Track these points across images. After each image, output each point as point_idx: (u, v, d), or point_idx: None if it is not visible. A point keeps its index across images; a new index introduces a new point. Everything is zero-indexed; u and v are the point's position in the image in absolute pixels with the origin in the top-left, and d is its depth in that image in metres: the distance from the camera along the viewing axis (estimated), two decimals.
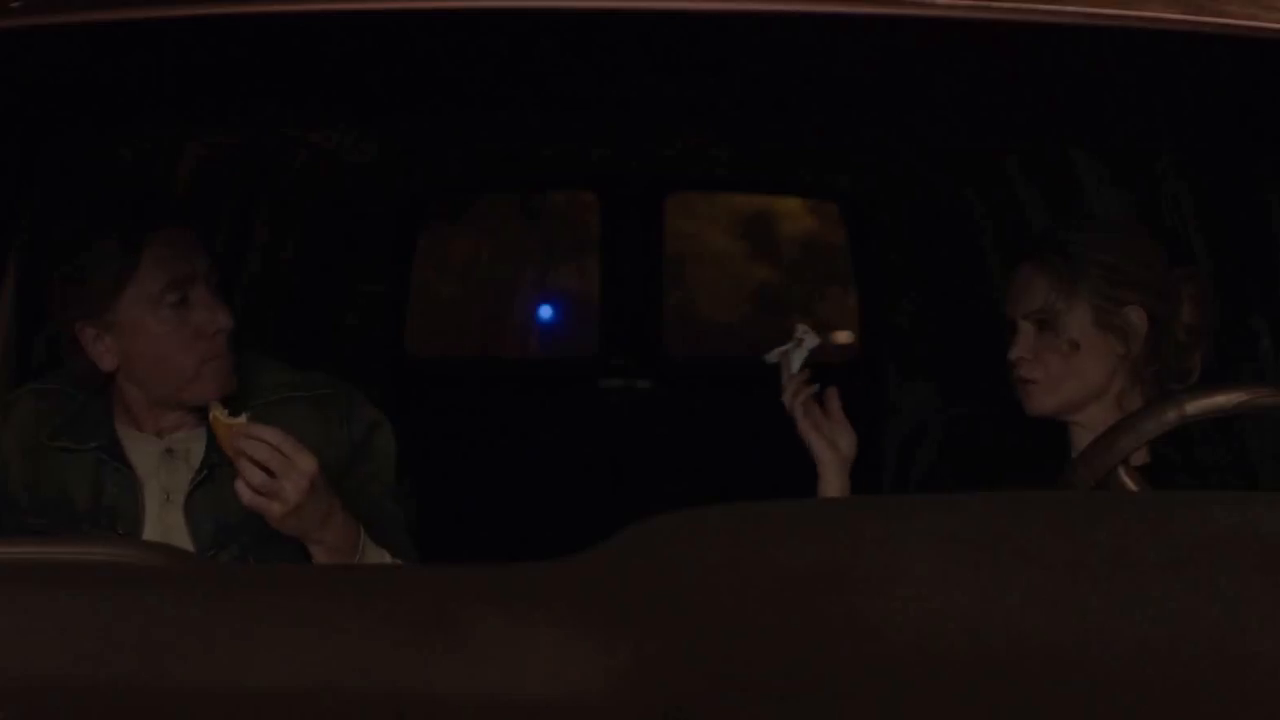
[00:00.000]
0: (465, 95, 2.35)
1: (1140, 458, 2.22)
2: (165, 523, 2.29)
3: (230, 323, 2.24)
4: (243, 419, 2.12)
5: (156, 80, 2.04)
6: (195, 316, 2.24)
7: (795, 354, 2.38)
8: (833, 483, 2.39)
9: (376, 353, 4.62)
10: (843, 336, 5.81)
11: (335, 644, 1.20)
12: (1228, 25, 1.61)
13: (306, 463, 2.06)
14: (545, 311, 6.43)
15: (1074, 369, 2.30)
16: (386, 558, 2.25)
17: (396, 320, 4.74)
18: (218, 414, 2.15)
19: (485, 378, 5.02)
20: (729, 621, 1.21)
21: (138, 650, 1.19)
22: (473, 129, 4.08)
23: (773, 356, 2.40)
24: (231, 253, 3.85)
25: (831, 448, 2.39)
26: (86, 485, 2.29)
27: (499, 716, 1.13)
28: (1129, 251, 2.32)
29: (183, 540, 2.27)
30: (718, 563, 1.29)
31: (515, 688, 1.14)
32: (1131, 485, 1.99)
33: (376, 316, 4.65)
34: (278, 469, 2.05)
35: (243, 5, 1.61)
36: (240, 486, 2.07)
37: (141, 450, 2.30)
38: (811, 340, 2.36)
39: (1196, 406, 1.97)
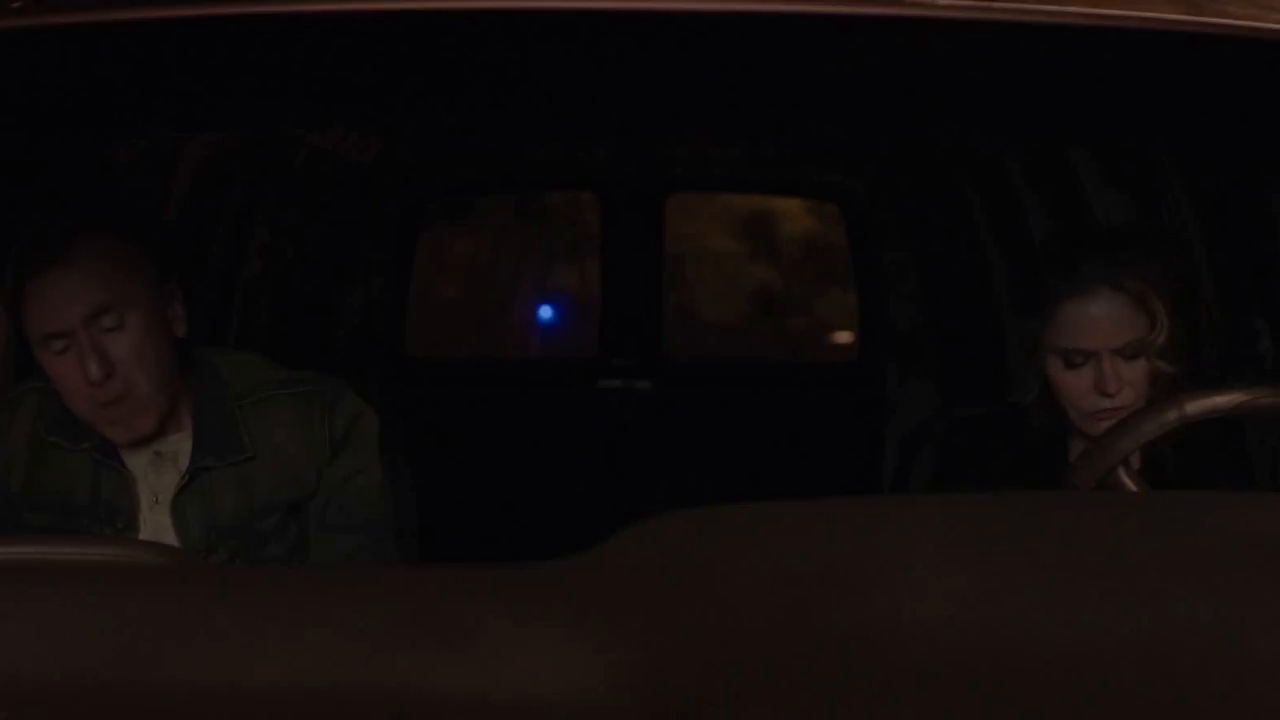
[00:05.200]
0: (465, 95, 2.35)
1: (1138, 460, 2.22)
2: (155, 523, 2.30)
3: (98, 375, 2.15)
4: None
5: (156, 80, 2.04)
6: (69, 368, 2.18)
7: None
8: None
9: (376, 353, 4.62)
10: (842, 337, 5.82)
11: (335, 644, 1.20)
12: (1228, 26, 1.61)
13: None
14: (545, 312, 6.42)
15: (1148, 392, 2.28)
16: None
17: (396, 320, 4.74)
18: None
19: (485, 378, 5.02)
20: (729, 622, 1.21)
21: (138, 650, 1.19)
22: (473, 129, 4.08)
23: None
24: (231, 253, 3.85)
25: None
26: (84, 482, 2.30)
27: (499, 716, 1.13)
28: (1168, 265, 2.31)
29: (171, 541, 2.28)
30: (718, 563, 1.29)
31: (515, 688, 1.14)
32: (1131, 485, 1.99)
33: (376, 316, 4.65)
34: None
35: (243, 5, 1.61)
36: None
37: (131, 452, 2.31)
38: None
39: (1196, 407, 1.97)
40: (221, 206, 3.77)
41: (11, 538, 2.14)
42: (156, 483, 2.32)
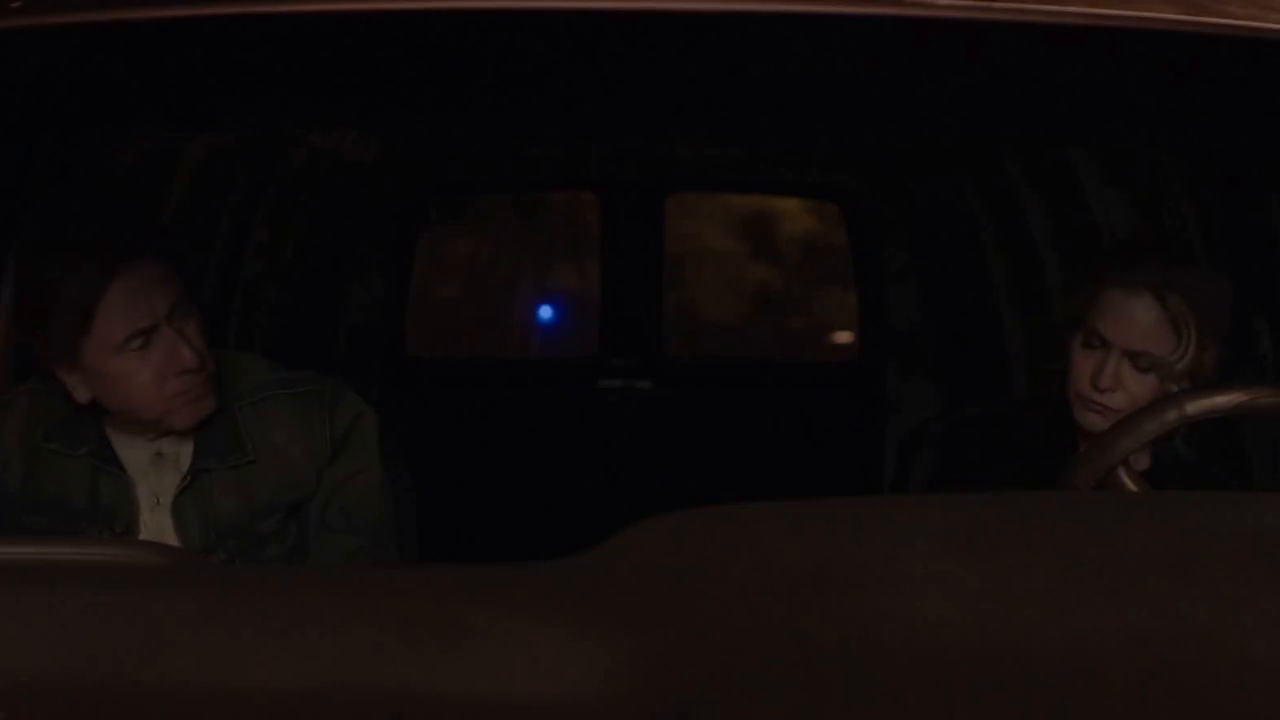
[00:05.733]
0: (465, 95, 2.34)
1: (1142, 461, 2.22)
2: (155, 524, 2.30)
3: (195, 362, 2.21)
4: None
5: (156, 80, 2.04)
6: (158, 359, 2.21)
7: None
8: None
9: (376, 353, 4.62)
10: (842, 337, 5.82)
11: (335, 644, 1.20)
12: (1228, 25, 1.61)
13: None
14: (545, 311, 6.43)
15: (1146, 401, 2.27)
16: None
17: (396, 320, 4.74)
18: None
19: (485, 378, 5.02)
20: (728, 621, 1.21)
21: (138, 650, 1.19)
22: (473, 129, 4.08)
23: None
24: (231, 253, 3.85)
25: None
26: (83, 485, 2.30)
27: (499, 716, 1.13)
28: (1223, 294, 2.31)
29: (172, 543, 2.27)
30: (716, 563, 1.29)
31: (515, 687, 1.14)
32: (1131, 485, 1.99)
33: (376, 316, 4.65)
34: None
35: (243, 5, 1.61)
36: None
37: (132, 453, 2.31)
38: None
39: (1196, 406, 1.97)
40: (221, 207, 3.77)
41: (11, 538, 2.14)
42: (158, 484, 2.32)
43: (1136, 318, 2.27)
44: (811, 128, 3.71)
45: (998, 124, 2.98)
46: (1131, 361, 2.27)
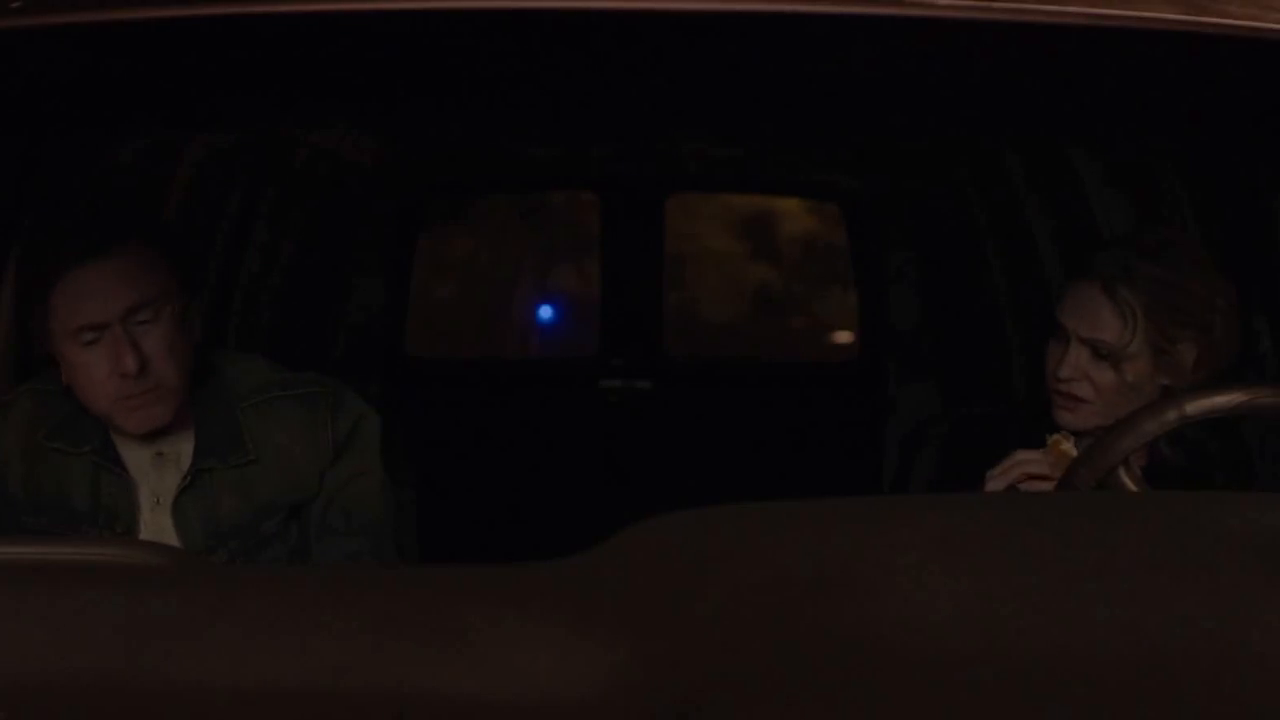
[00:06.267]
0: (465, 95, 2.34)
1: (1140, 458, 2.22)
2: (156, 525, 2.30)
3: (133, 368, 2.20)
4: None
5: (156, 80, 2.04)
6: (106, 357, 2.21)
7: None
8: None
9: (376, 352, 4.62)
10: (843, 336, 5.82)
11: (336, 644, 1.20)
12: (1228, 25, 1.61)
13: None
14: (545, 312, 6.42)
15: (1123, 400, 2.29)
16: None
17: (396, 320, 4.74)
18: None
19: (485, 378, 5.02)
20: (729, 621, 1.21)
21: (138, 650, 1.19)
22: (473, 129, 4.08)
23: None
24: (231, 253, 3.85)
25: None
26: (84, 486, 2.30)
27: (499, 716, 1.13)
28: (1194, 288, 2.32)
29: (173, 543, 2.28)
30: (717, 563, 1.29)
31: (515, 687, 1.14)
32: (1131, 485, 1.99)
33: (376, 316, 4.65)
34: None
35: (243, 5, 1.61)
36: None
37: (133, 453, 2.32)
38: None
39: (1196, 407, 1.98)
40: (221, 206, 3.77)
41: (12, 538, 2.14)
42: (158, 484, 2.32)
43: (1088, 306, 2.33)
44: (811, 128, 3.71)
45: (998, 124, 2.98)
46: (1091, 351, 2.30)
